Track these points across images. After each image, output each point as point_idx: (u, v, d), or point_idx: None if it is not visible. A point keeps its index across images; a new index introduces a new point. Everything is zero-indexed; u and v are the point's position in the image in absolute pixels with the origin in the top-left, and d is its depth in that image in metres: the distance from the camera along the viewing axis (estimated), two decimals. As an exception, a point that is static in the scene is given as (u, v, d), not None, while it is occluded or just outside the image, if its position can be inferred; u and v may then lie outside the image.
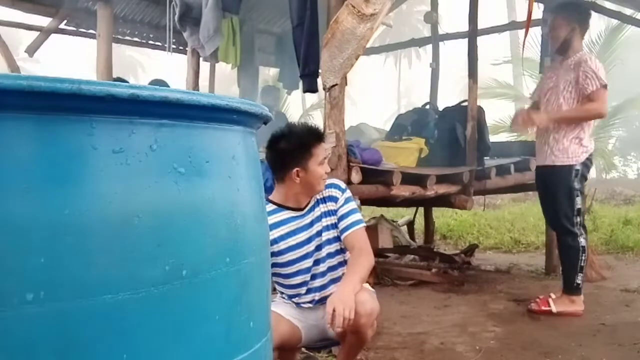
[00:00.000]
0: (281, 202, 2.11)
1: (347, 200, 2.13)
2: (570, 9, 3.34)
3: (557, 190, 3.28)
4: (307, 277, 2.12)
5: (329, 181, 2.15)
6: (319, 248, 2.10)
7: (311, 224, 2.10)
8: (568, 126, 3.24)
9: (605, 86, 3.11)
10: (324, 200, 2.13)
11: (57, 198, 0.71)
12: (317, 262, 2.11)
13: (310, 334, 2.14)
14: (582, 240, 3.23)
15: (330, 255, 2.11)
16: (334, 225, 2.11)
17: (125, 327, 0.76)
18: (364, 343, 2.04)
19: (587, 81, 3.13)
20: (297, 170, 2.03)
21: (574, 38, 3.24)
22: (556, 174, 3.28)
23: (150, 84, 4.07)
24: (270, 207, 2.08)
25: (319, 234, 2.10)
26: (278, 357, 2.08)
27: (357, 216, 2.11)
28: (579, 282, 3.23)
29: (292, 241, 2.10)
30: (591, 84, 3.11)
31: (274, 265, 2.06)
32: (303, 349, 2.45)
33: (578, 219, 3.24)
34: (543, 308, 3.25)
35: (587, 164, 3.30)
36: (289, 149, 2.03)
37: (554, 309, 3.22)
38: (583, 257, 3.21)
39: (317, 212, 2.11)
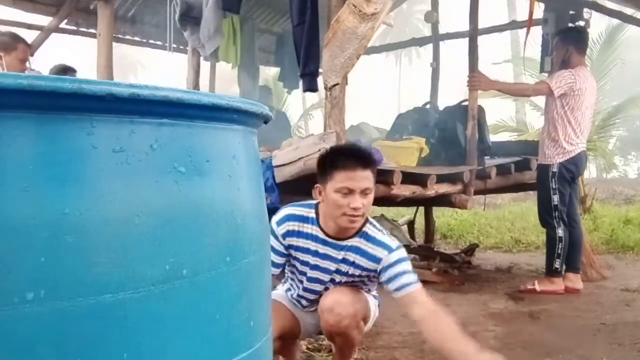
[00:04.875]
0: (321, 223, 1.94)
1: (398, 261, 1.88)
2: (564, 34, 3.98)
3: (539, 187, 3.88)
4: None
5: (378, 237, 1.92)
6: (333, 281, 1.99)
7: (342, 261, 1.94)
8: (549, 126, 3.78)
9: (549, 87, 3.68)
10: (363, 252, 1.92)
11: (57, 198, 0.71)
12: (326, 287, 2.01)
13: (306, 327, 2.14)
14: (559, 232, 3.73)
15: (342, 283, 1.99)
16: (361, 277, 1.95)
17: (125, 327, 0.75)
18: (352, 345, 1.99)
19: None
20: (317, 187, 1.89)
21: (571, 57, 3.76)
22: (540, 172, 3.89)
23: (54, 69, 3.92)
24: (310, 214, 1.96)
25: (339, 272, 1.96)
26: (280, 347, 2.05)
27: (411, 277, 1.86)
28: (557, 266, 3.74)
29: (312, 260, 1.97)
30: (548, 80, 3.81)
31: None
32: (304, 349, 2.46)
33: (555, 213, 3.74)
34: (528, 287, 3.76)
35: (566, 166, 3.72)
36: (319, 159, 1.91)
37: (537, 287, 3.74)
38: (560, 246, 3.72)
39: (351, 256, 1.93)
